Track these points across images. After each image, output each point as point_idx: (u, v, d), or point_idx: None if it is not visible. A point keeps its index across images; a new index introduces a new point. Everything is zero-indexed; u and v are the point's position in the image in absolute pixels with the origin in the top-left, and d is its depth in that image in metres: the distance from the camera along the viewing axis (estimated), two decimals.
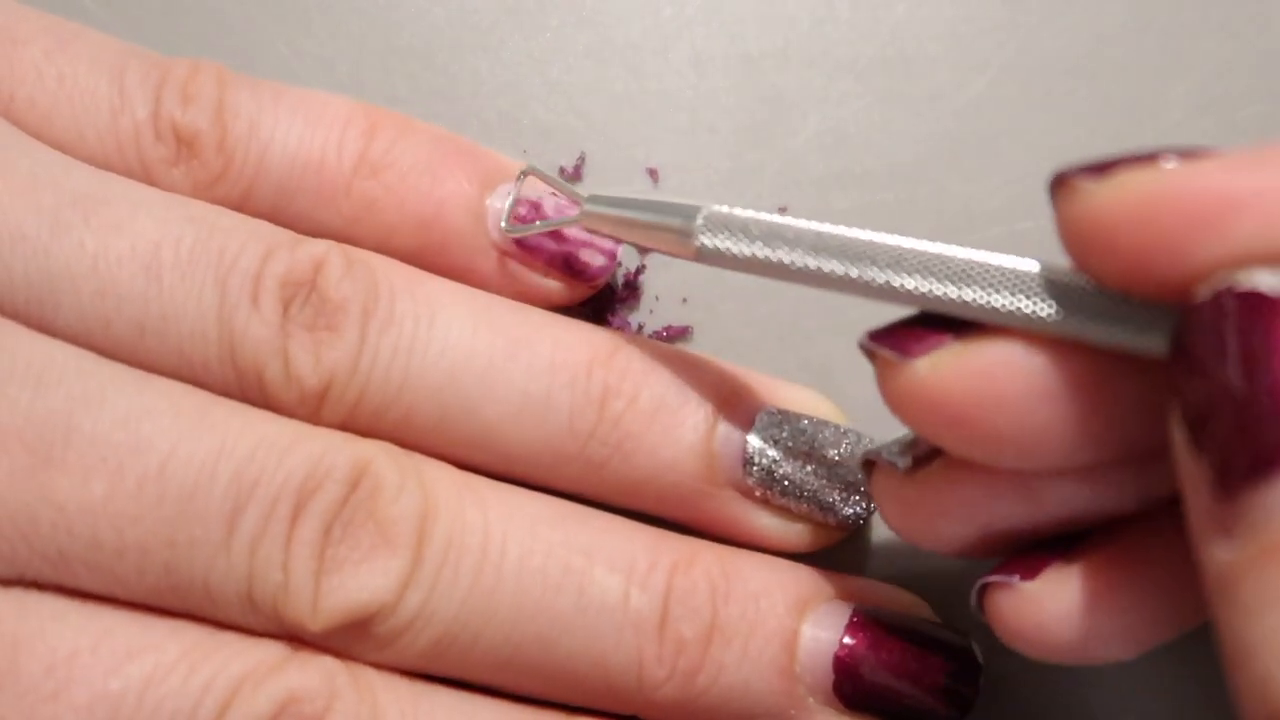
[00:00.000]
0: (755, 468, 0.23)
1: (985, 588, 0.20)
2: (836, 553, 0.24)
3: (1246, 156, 0.15)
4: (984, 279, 0.18)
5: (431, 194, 0.24)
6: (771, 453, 0.23)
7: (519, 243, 0.24)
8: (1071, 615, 0.19)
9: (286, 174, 0.23)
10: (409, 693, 0.20)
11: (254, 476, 0.20)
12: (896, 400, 0.19)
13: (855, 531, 0.25)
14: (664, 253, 0.22)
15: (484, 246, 0.24)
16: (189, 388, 0.21)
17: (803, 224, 0.20)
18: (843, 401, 0.25)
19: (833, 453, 0.23)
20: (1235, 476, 0.14)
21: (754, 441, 0.23)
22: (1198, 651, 0.23)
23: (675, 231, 0.21)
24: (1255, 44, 0.28)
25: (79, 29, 0.24)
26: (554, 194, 0.25)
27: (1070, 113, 0.28)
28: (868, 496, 0.23)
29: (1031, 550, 0.20)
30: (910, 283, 0.19)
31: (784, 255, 0.20)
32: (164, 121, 0.23)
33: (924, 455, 0.20)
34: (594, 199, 0.23)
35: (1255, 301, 0.15)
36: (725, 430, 0.23)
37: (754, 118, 0.28)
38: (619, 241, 0.24)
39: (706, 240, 0.21)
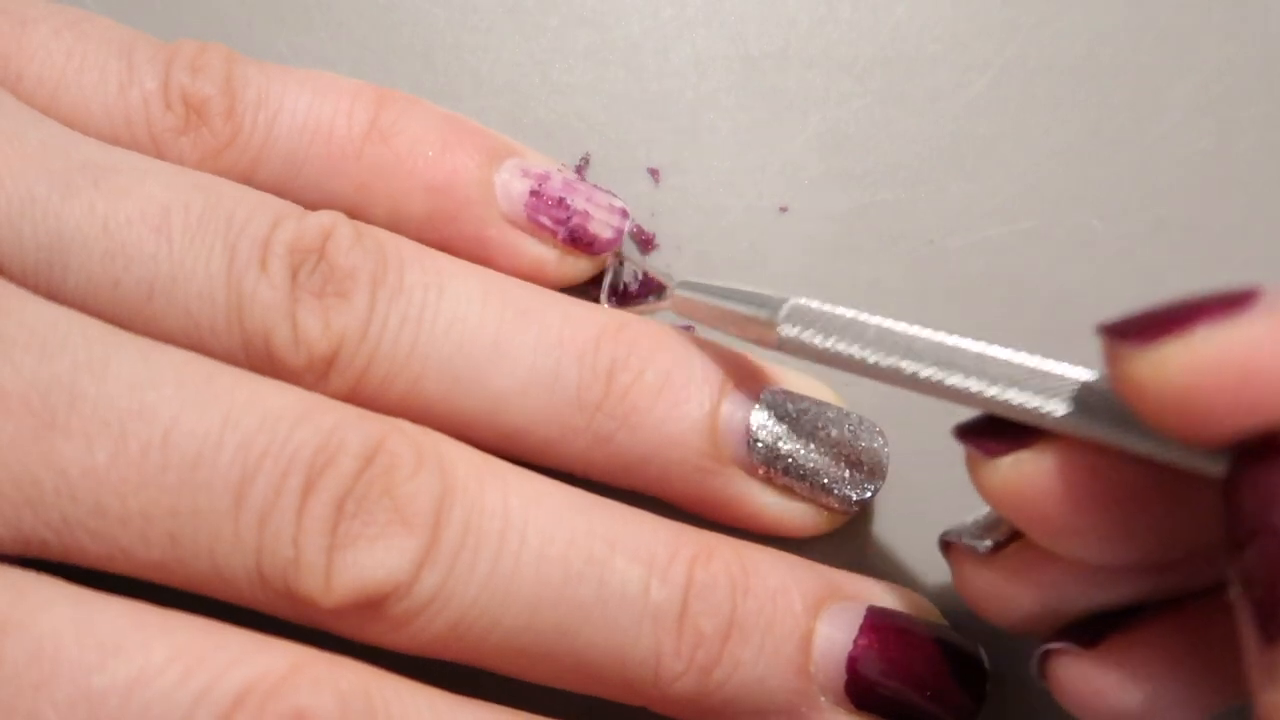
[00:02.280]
0: (759, 444, 0.23)
1: (1047, 654, 0.20)
2: (842, 552, 0.24)
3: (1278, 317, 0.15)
4: (1054, 390, 0.18)
5: (442, 162, 0.24)
6: (775, 430, 0.23)
7: (529, 214, 0.25)
8: (1131, 684, 0.19)
9: (296, 142, 0.24)
10: (427, 706, 0.20)
11: (262, 448, 0.20)
12: (985, 492, 0.19)
13: (860, 530, 0.25)
14: (749, 340, 0.22)
15: (494, 215, 0.24)
16: (195, 356, 0.21)
17: (883, 322, 0.20)
18: (841, 397, 0.25)
19: (835, 433, 0.23)
20: (1273, 627, 0.15)
21: (758, 419, 0.23)
22: None
23: (760, 323, 0.22)
24: (1255, 44, 0.28)
25: (87, 13, 0.24)
26: (560, 169, 0.25)
27: (1070, 113, 0.28)
28: (869, 479, 0.24)
29: (1093, 618, 0.20)
30: (990, 390, 0.19)
31: (862, 353, 0.20)
32: (173, 90, 0.23)
33: (1004, 539, 0.20)
34: (684, 285, 0.24)
35: None
36: (730, 407, 0.23)
37: (754, 118, 0.28)
38: (626, 215, 0.25)
39: (788, 332, 0.21)
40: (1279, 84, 0.28)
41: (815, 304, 0.21)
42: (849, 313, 0.21)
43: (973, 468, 0.19)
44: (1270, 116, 0.28)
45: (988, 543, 0.20)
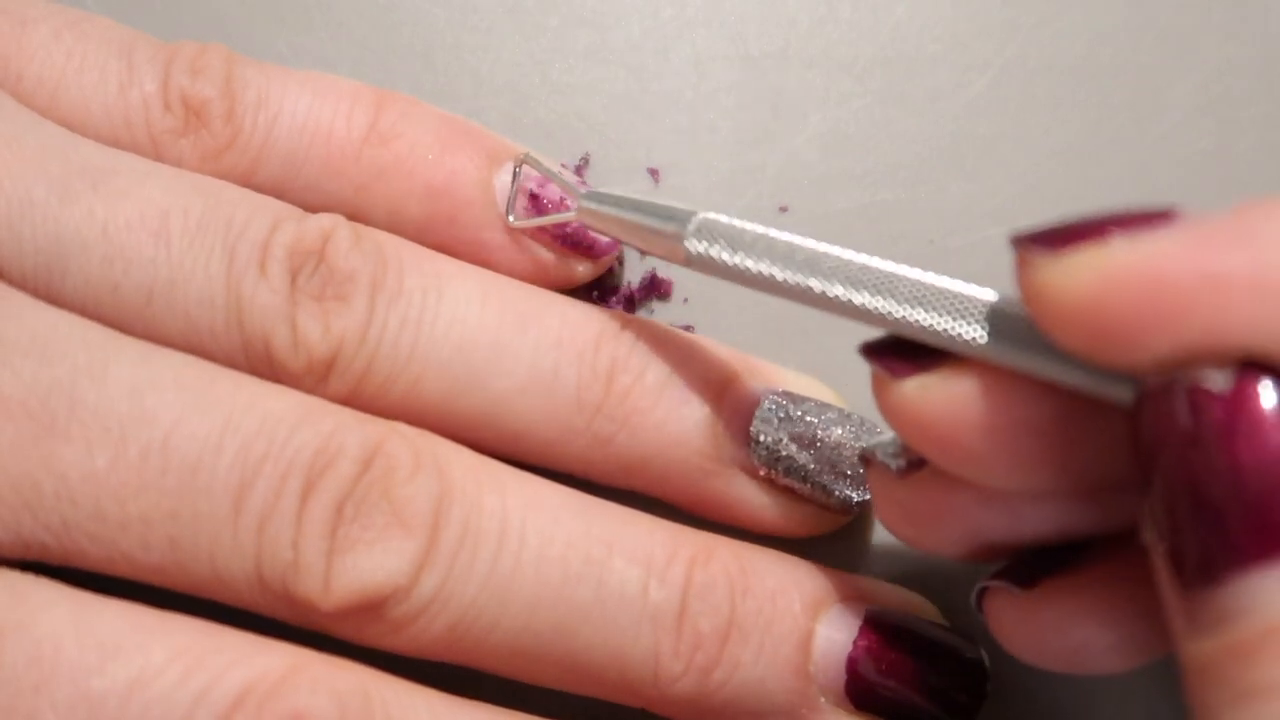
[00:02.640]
0: (759, 446, 0.23)
1: (984, 591, 0.20)
2: (842, 552, 0.24)
3: (1194, 234, 0.15)
4: (965, 311, 0.18)
5: (441, 164, 0.24)
6: (775, 432, 0.23)
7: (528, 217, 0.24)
8: (1066, 625, 0.19)
9: (295, 143, 0.24)
10: (425, 707, 0.20)
11: (261, 451, 0.20)
12: (887, 413, 0.19)
13: (860, 531, 0.25)
14: (657, 255, 0.22)
15: (492, 219, 0.24)
16: (195, 360, 0.21)
17: (791, 239, 0.20)
18: (844, 398, 0.25)
19: (836, 435, 0.23)
20: (1192, 576, 0.14)
21: (758, 420, 0.23)
22: None
23: (667, 236, 0.21)
24: (1255, 44, 0.28)
25: (87, 14, 0.24)
26: (560, 171, 0.25)
27: (1070, 113, 0.28)
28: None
29: (1031, 556, 0.20)
30: (894, 309, 0.19)
31: (769, 269, 0.20)
32: (173, 92, 0.23)
33: (917, 460, 0.20)
34: (589, 195, 0.23)
35: (1199, 398, 0.14)
36: (730, 408, 0.23)
37: (754, 118, 0.28)
38: (617, 238, 0.25)
39: (696, 247, 0.21)
40: (1279, 84, 0.28)
41: (724, 218, 0.21)
42: (758, 228, 0.20)
43: (877, 389, 0.19)
44: (1270, 116, 0.28)
45: (901, 462, 0.20)
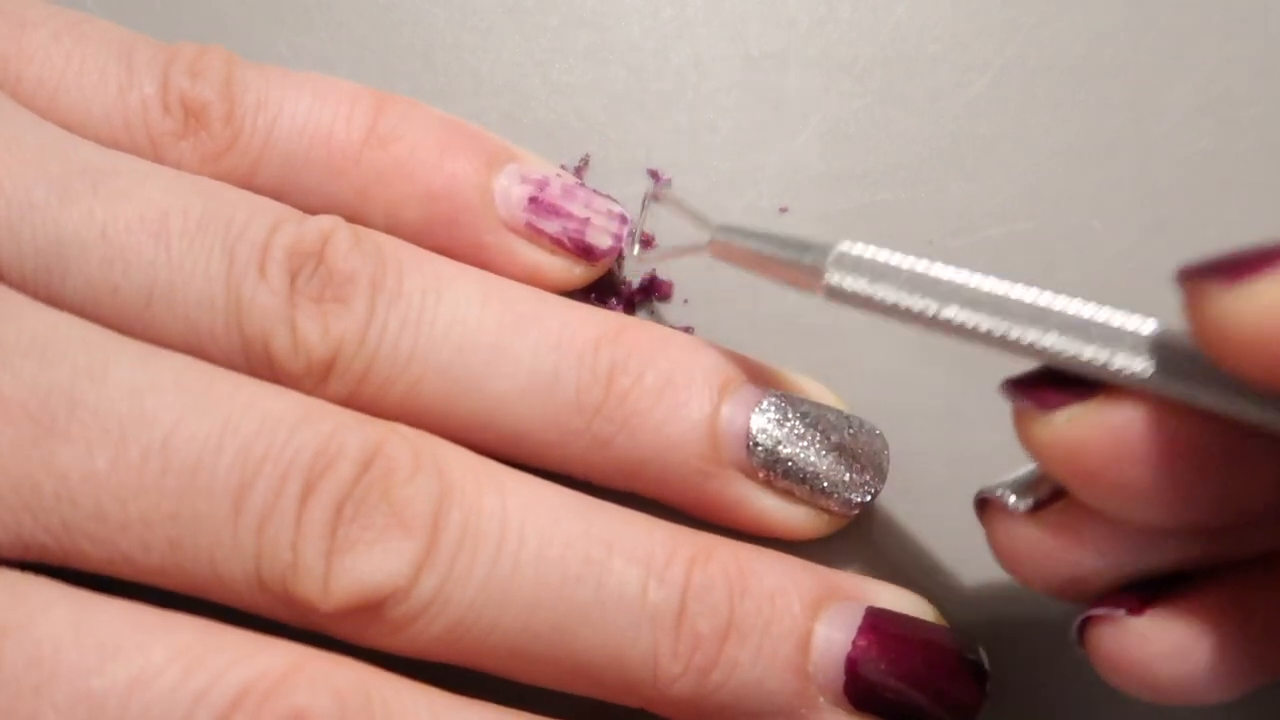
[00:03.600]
0: (759, 448, 0.23)
1: (1088, 620, 0.20)
2: (841, 552, 0.24)
3: None
4: (1119, 341, 0.18)
5: (441, 167, 0.24)
6: (775, 434, 0.23)
7: (527, 220, 0.24)
8: (1176, 654, 0.19)
9: (295, 146, 0.24)
10: (425, 705, 0.20)
11: (261, 452, 0.20)
12: (1035, 449, 0.19)
13: (860, 531, 0.25)
14: (793, 287, 0.21)
15: (492, 221, 0.24)
16: (195, 361, 0.21)
17: (935, 270, 0.19)
18: (843, 400, 0.25)
19: (835, 437, 0.23)
20: None
21: (758, 422, 0.23)
22: None
23: (805, 269, 0.21)
24: (1255, 44, 0.28)
25: (86, 15, 0.24)
26: (559, 173, 0.25)
27: (1070, 113, 0.28)
28: (869, 482, 0.23)
29: (1138, 586, 0.20)
30: (1046, 340, 0.18)
31: (912, 302, 0.19)
32: (172, 94, 0.23)
33: (1045, 499, 0.20)
34: (724, 229, 0.23)
35: None
36: (730, 410, 0.23)
37: (754, 118, 0.28)
38: (625, 221, 0.25)
39: (836, 280, 0.20)
40: (1279, 84, 0.28)
41: (866, 249, 0.20)
42: (899, 259, 0.20)
43: (1023, 424, 0.19)
44: (1270, 116, 0.28)
45: (1029, 500, 0.20)
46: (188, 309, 0.21)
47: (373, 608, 0.20)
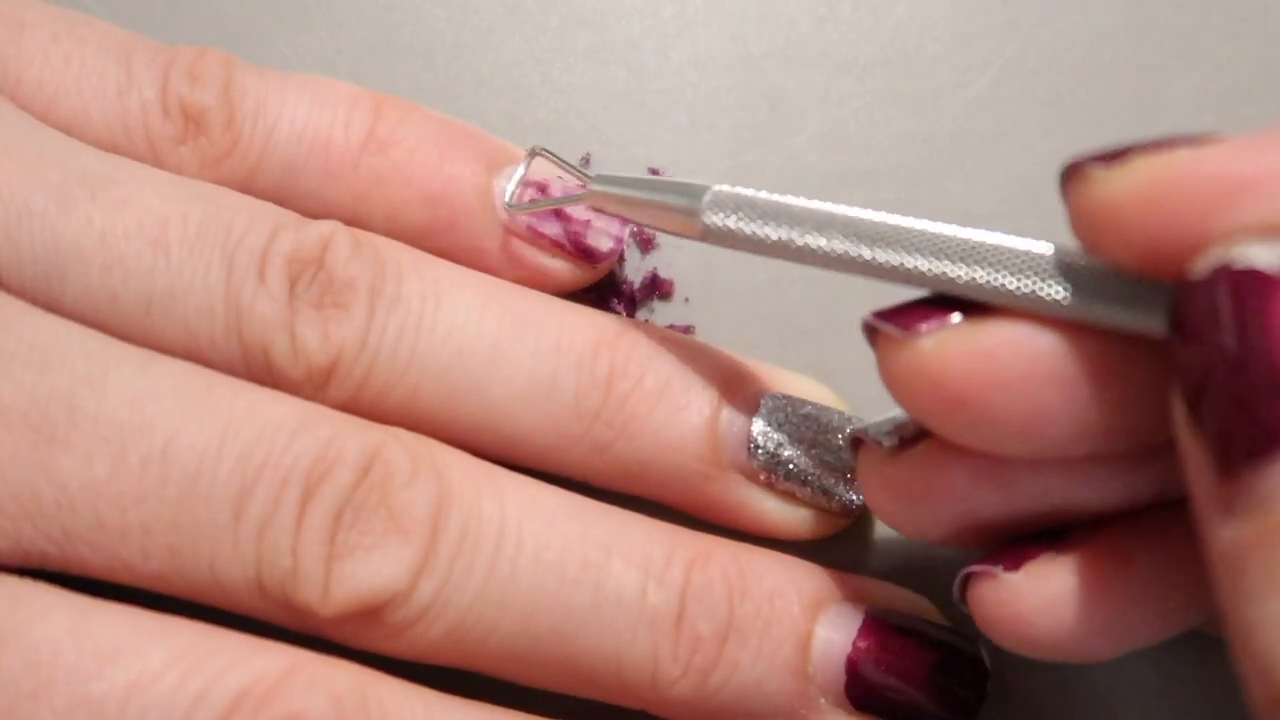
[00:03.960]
0: (759, 450, 0.23)
1: (968, 577, 0.20)
2: (841, 552, 0.24)
3: (1253, 139, 0.16)
4: (992, 259, 0.18)
5: (440, 171, 0.24)
6: (776, 436, 0.23)
7: (527, 224, 0.24)
8: (1052, 610, 0.19)
9: (294, 151, 0.24)
10: (422, 707, 0.20)
11: (260, 459, 0.20)
12: (897, 378, 0.19)
13: (859, 531, 0.25)
14: (670, 233, 0.22)
15: (491, 226, 0.24)
16: (195, 368, 0.21)
17: (809, 203, 0.20)
18: (845, 401, 0.25)
19: (836, 438, 0.23)
20: (1235, 456, 0.14)
21: (758, 424, 0.23)
22: (1210, 658, 0.23)
23: (682, 211, 0.21)
24: (1255, 44, 0.28)
25: (85, 17, 0.24)
26: (560, 177, 0.25)
27: (1070, 113, 0.28)
28: None
29: (1017, 542, 0.20)
30: (918, 262, 0.19)
31: (789, 234, 0.20)
32: (171, 99, 0.23)
33: (911, 436, 0.20)
34: (601, 178, 0.23)
35: (1250, 278, 0.15)
36: (730, 413, 0.23)
37: (754, 117, 0.28)
38: (625, 222, 0.25)
39: (712, 219, 0.21)
40: (1279, 84, 0.28)
41: (739, 188, 0.21)
42: (773, 195, 0.20)
43: (886, 356, 0.19)
44: (1270, 116, 0.28)
45: (895, 439, 0.20)
46: (187, 316, 0.21)
47: (372, 612, 0.20)
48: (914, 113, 0.28)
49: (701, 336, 0.26)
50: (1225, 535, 0.15)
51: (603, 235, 0.25)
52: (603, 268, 0.25)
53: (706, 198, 0.21)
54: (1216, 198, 0.15)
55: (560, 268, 0.25)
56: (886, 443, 0.20)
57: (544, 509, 0.21)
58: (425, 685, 0.20)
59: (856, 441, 0.21)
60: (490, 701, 0.21)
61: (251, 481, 0.20)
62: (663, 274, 0.26)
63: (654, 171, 0.27)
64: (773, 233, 0.20)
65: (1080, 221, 0.17)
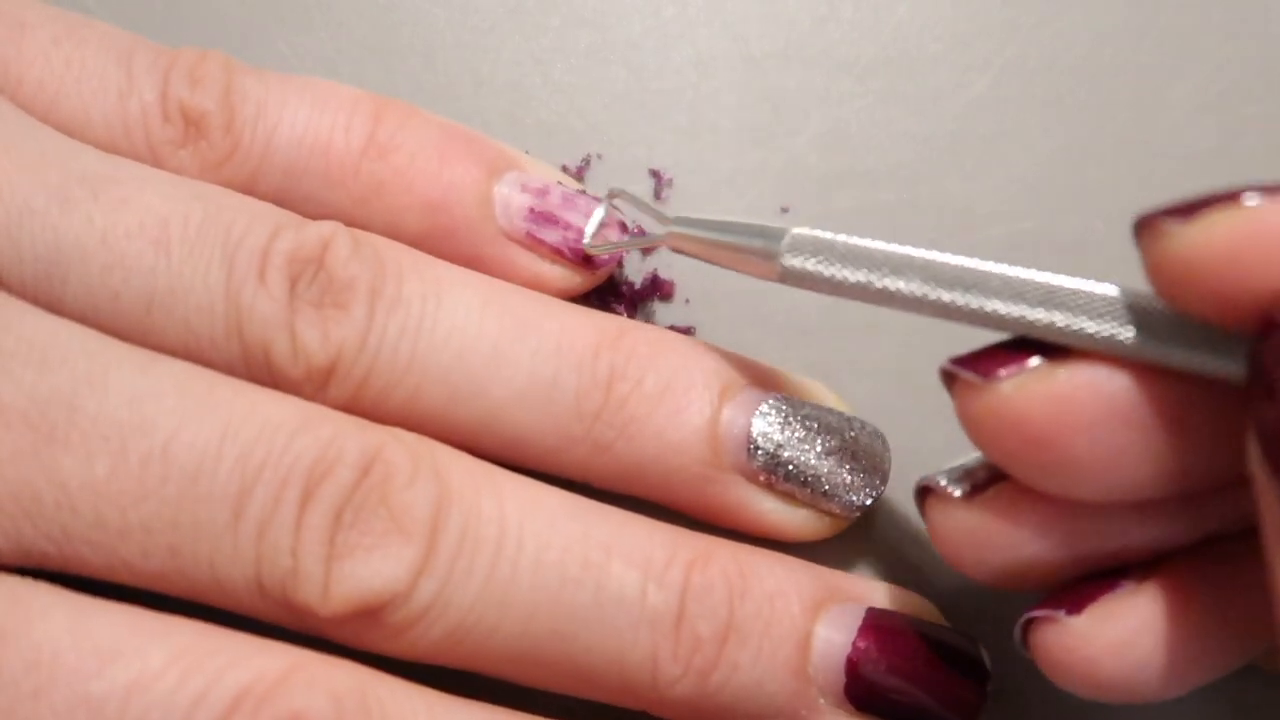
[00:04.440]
0: (760, 451, 0.23)
1: (1030, 622, 0.20)
2: (841, 552, 0.24)
3: None
4: (1070, 303, 0.18)
5: (440, 177, 0.24)
6: (776, 437, 0.23)
7: (527, 230, 0.24)
8: (1119, 652, 0.19)
9: (294, 155, 0.24)
10: (423, 707, 0.20)
11: (260, 459, 0.20)
12: (976, 422, 0.19)
13: (859, 532, 0.25)
14: (748, 274, 0.22)
15: (492, 232, 0.24)
16: (195, 368, 0.21)
17: (887, 246, 0.20)
18: (845, 401, 0.25)
19: (836, 439, 0.23)
20: None
21: (759, 426, 0.23)
22: None
23: (760, 254, 0.21)
24: (1255, 44, 0.28)
25: (86, 19, 0.24)
26: (559, 180, 0.25)
27: (1070, 113, 0.28)
28: (870, 484, 0.23)
29: (1078, 584, 0.20)
30: (996, 306, 0.19)
31: (868, 277, 0.20)
32: (172, 103, 0.23)
33: (983, 482, 0.20)
34: (680, 220, 0.23)
35: None
36: (730, 414, 0.23)
37: (755, 117, 0.28)
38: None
39: (791, 262, 0.21)
40: (1279, 84, 0.28)
41: (817, 231, 0.21)
42: (851, 239, 0.20)
43: (965, 398, 0.19)
44: (1270, 116, 0.28)
45: (966, 485, 0.20)
46: (188, 316, 0.21)
47: (372, 613, 0.20)
48: (914, 113, 0.28)
49: (702, 337, 0.26)
50: None
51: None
52: (602, 273, 0.25)
53: (785, 241, 0.21)
54: None
55: (560, 274, 0.25)
56: (958, 490, 0.20)
57: (544, 509, 0.21)
58: (425, 685, 0.20)
59: (925, 490, 0.21)
60: (490, 701, 0.21)
61: (251, 481, 0.20)
62: (663, 275, 0.26)
63: (655, 174, 0.27)
64: (851, 275, 0.20)
65: (1157, 276, 0.17)
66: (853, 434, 0.23)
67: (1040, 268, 0.19)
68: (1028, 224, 0.27)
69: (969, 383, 0.19)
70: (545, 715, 0.21)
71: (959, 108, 0.28)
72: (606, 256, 0.25)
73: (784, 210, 0.27)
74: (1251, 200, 0.16)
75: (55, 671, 0.18)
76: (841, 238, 0.20)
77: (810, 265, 0.21)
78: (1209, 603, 0.19)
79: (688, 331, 0.26)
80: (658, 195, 0.27)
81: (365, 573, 0.20)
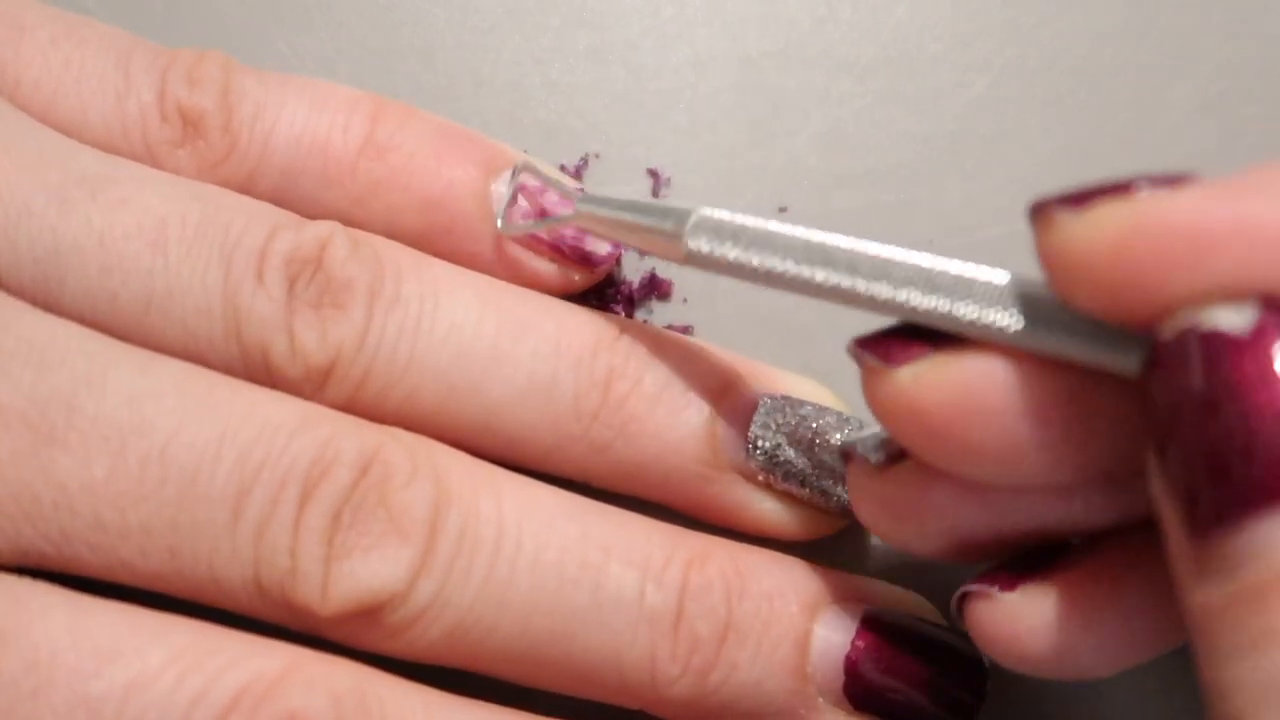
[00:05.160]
0: (758, 451, 0.23)
1: (964, 596, 0.20)
2: (840, 552, 0.24)
3: (1220, 188, 0.15)
4: (968, 292, 0.18)
5: (438, 176, 0.24)
6: (774, 437, 0.23)
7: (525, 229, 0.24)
8: (1047, 629, 0.19)
9: (292, 155, 0.24)
10: (421, 706, 0.20)
11: (259, 459, 0.20)
12: (878, 404, 0.19)
13: (859, 531, 0.25)
14: (657, 255, 0.22)
15: (489, 231, 0.24)
16: (194, 368, 0.21)
17: (791, 231, 0.20)
18: (843, 401, 0.25)
19: (834, 438, 0.23)
20: (1205, 518, 0.14)
21: (757, 425, 0.23)
22: None
23: (665, 234, 0.21)
24: (1255, 44, 0.28)
25: (84, 19, 0.24)
26: (559, 182, 0.25)
27: (1070, 113, 0.28)
28: None
29: (1013, 561, 0.20)
30: (896, 294, 0.19)
31: (770, 262, 0.20)
32: (169, 103, 0.23)
33: (897, 453, 0.20)
34: (587, 199, 0.23)
35: (1216, 341, 0.14)
36: (728, 413, 0.23)
37: (754, 118, 0.28)
38: (617, 240, 0.25)
39: (695, 244, 0.21)
40: (1279, 84, 0.28)
41: (723, 213, 0.21)
42: (757, 221, 0.20)
43: (868, 381, 0.19)
44: (1270, 116, 0.28)
45: (882, 455, 0.20)
46: (186, 316, 0.21)
47: (371, 613, 0.20)
48: (914, 113, 0.28)
49: (700, 337, 0.26)
50: (1196, 597, 0.15)
51: (601, 240, 0.25)
52: (600, 272, 0.25)
53: (690, 222, 0.21)
54: (1182, 255, 0.15)
55: (557, 273, 0.25)
56: (874, 457, 0.20)
57: (543, 509, 0.21)
58: (425, 685, 0.20)
59: (846, 454, 0.21)
60: (490, 701, 0.21)
61: (250, 482, 0.20)
62: (661, 274, 0.26)
63: (653, 173, 0.27)
64: (753, 260, 0.20)
65: (1047, 265, 0.17)
66: (850, 434, 0.23)
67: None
68: (1027, 225, 0.27)
69: (871, 366, 0.19)
70: (545, 715, 0.21)
71: (959, 108, 0.28)
72: (604, 254, 0.25)
73: (782, 210, 0.27)
74: (1143, 194, 0.16)
75: (54, 671, 0.18)
76: (740, 219, 0.20)
77: (713, 248, 0.20)
78: (1142, 585, 0.19)
79: (686, 331, 0.26)
80: (656, 195, 0.27)
81: (364, 573, 0.20)
